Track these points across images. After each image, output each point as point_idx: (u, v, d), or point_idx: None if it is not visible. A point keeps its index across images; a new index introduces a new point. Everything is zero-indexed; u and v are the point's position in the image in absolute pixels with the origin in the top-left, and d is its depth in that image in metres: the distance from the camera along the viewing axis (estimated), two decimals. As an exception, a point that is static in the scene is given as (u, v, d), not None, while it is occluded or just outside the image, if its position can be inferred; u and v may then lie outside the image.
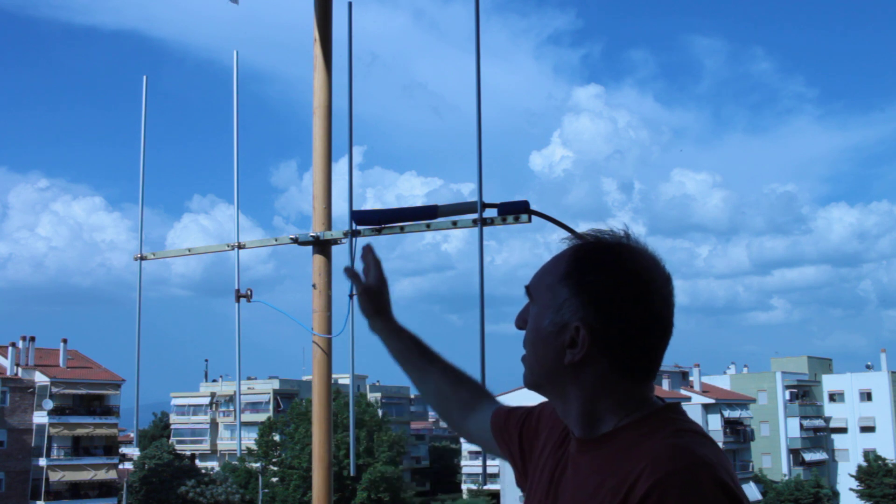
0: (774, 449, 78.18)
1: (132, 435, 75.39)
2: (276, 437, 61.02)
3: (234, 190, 5.30)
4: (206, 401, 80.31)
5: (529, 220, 3.84)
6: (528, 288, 1.57)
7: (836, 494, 71.54)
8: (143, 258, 5.26)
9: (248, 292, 4.87)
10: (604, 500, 1.38)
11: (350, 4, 4.76)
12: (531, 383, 1.58)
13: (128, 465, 63.34)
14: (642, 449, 1.39)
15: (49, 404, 55.71)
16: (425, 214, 4.28)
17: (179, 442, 75.24)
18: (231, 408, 77.55)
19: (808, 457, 77.54)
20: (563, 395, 1.54)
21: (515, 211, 3.87)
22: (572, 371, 1.49)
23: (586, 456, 1.49)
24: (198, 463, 71.55)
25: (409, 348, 2.07)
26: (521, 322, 1.60)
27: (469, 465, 77.15)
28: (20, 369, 56.55)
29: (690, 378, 78.58)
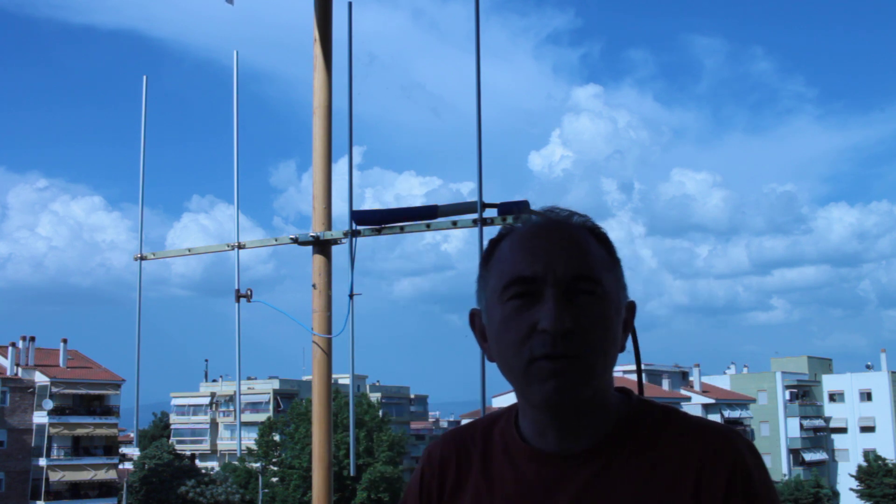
0: (774, 449, 78.15)
1: (132, 435, 75.39)
2: (276, 437, 60.99)
3: (233, 190, 5.30)
4: (206, 401, 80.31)
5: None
6: (584, 276, 1.31)
7: (836, 494, 71.52)
8: (143, 258, 5.26)
9: (248, 292, 4.87)
10: (666, 496, 1.29)
11: (350, 4, 4.76)
12: (587, 392, 1.31)
13: (128, 465, 63.33)
14: (681, 435, 1.33)
15: (49, 404, 55.71)
16: (425, 214, 4.28)
17: (179, 442, 75.21)
18: (231, 408, 77.55)
19: (808, 457, 77.55)
20: (601, 399, 1.36)
21: (515, 211, 3.88)
22: (614, 363, 1.36)
23: (594, 465, 1.33)
24: (198, 463, 71.51)
25: None
26: (586, 318, 1.30)
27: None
28: (20, 369, 56.55)
29: (690, 378, 78.60)
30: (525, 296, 1.31)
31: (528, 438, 1.39)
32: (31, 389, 56.73)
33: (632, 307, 1.40)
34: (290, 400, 72.02)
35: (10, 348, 56.34)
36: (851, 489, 67.39)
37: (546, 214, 1.40)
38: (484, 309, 1.40)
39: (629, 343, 1.47)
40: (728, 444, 1.31)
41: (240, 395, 5.66)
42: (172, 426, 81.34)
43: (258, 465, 60.26)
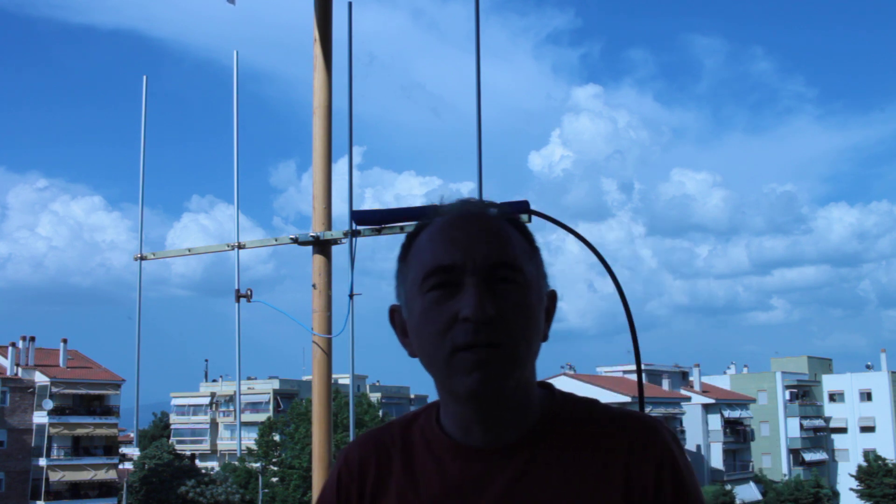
0: (774, 449, 78.18)
1: (132, 435, 75.36)
2: (276, 437, 60.99)
3: (233, 190, 5.30)
4: (206, 401, 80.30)
5: (529, 220, 3.83)
6: (504, 264, 1.29)
7: (836, 494, 71.53)
8: (143, 258, 5.26)
9: (248, 292, 4.87)
10: (596, 489, 1.27)
11: (350, 4, 4.76)
12: (512, 382, 1.28)
13: (128, 465, 63.29)
14: (606, 427, 1.32)
15: (49, 404, 55.71)
16: (425, 214, 4.27)
17: (179, 442, 75.20)
18: (231, 408, 77.56)
19: (808, 457, 77.54)
20: (524, 391, 1.33)
21: (515, 211, 3.87)
22: (537, 352, 1.34)
23: (521, 459, 1.30)
24: (198, 463, 71.50)
25: None
26: (508, 305, 1.27)
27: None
28: (20, 369, 56.55)
29: (690, 378, 78.59)
30: (445, 286, 1.28)
31: (451, 434, 1.36)
32: (31, 389, 56.74)
33: (553, 296, 1.38)
34: (290, 400, 72.00)
35: (10, 348, 56.35)
36: (851, 489, 67.38)
37: (463, 205, 1.38)
38: (404, 303, 1.37)
39: (630, 343, 1.47)
40: (654, 434, 1.31)
41: (240, 395, 5.66)
42: (172, 426, 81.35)
43: (258, 465, 60.25)
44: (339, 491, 1.42)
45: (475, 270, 1.27)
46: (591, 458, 1.30)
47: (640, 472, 1.28)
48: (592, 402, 1.39)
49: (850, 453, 78.79)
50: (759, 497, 67.76)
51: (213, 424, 79.31)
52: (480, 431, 1.32)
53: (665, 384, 74.46)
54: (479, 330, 1.24)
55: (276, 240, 4.90)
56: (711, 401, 73.79)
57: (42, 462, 55.48)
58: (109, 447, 59.48)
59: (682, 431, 70.15)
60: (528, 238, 1.37)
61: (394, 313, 1.41)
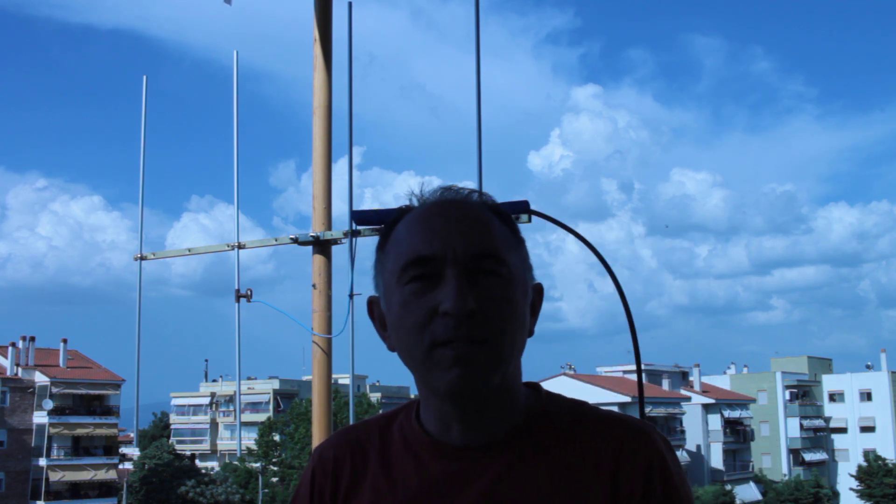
0: (774, 449, 78.18)
1: (132, 435, 75.34)
2: (276, 437, 61.00)
3: (232, 190, 5.31)
4: (206, 401, 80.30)
5: (529, 220, 3.84)
6: (487, 254, 1.22)
7: (836, 494, 71.52)
8: (143, 258, 5.26)
9: (248, 292, 4.87)
10: (580, 492, 1.22)
11: (350, 4, 4.76)
12: (495, 379, 1.22)
13: (128, 465, 63.29)
14: (595, 429, 1.27)
15: (49, 404, 55.71)
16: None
17: (179, 442, 75.20)
18: (231, 408, 77.56)
19: (808, 457, 77.54)
20: (508, 388, 1.27)
21: (516, 211, 3.86)
22: (522, 348, 1.27)
23: (504, 459, 1.25)
24: (198, 463, 71.50)
25: None
26: (491, 299, 1.21)
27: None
28: (20, 369, 56.54)
29: (690, 378, 78.59)
30: (424, 278, 1.21)
31: (431, 432, 1.29)
32: (31, 389, 56.73)
33: (539, 289, 1.31)
34: (290, 400, 72.00)
35: (10, 348, 56.34)
36: (851, 489, 67.37)
37: (444, 193, 1.31)
38: (382, 295, 1.30)
39: (629, 343, 1.45)
40: (644, 438, 1.25)
41: (240, 395, 5.66)
42: (172, 426, 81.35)
43: (258, 465, 60.25)
44: (312, 489, 1.36)
45: (456, 261, 1.21)
46: (577, 461, 1.24)
47: (627, 477, 1.22)
48: (580, 404, 1.33)
49: (850, 453, 78.78)
50: (759, 497, 67.75)
51: (213, 424, 79.30)
52: (461, 429, 1.26)
53: (665, 384, 74.45)
54: (459, 324, 1.18)
55: (276, 240, 4.90)
56: (711, 401, 73.79)
57: (42, 462, 55.47)
58: (109, 447, 59.48)
59: (682, 431, 70.17)
60: (513, 228, 1.30)
61: (372, 305, 1.34)
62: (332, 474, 1.35)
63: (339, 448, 1.37)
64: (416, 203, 1.32)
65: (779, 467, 76.21)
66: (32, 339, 57.38)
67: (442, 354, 1.19)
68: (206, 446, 78.40)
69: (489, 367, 1.20)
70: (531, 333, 1.29)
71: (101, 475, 57.79)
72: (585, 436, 1.27)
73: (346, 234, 4.59)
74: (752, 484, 70.29)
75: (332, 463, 1.36)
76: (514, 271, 1.24)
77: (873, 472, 64.89)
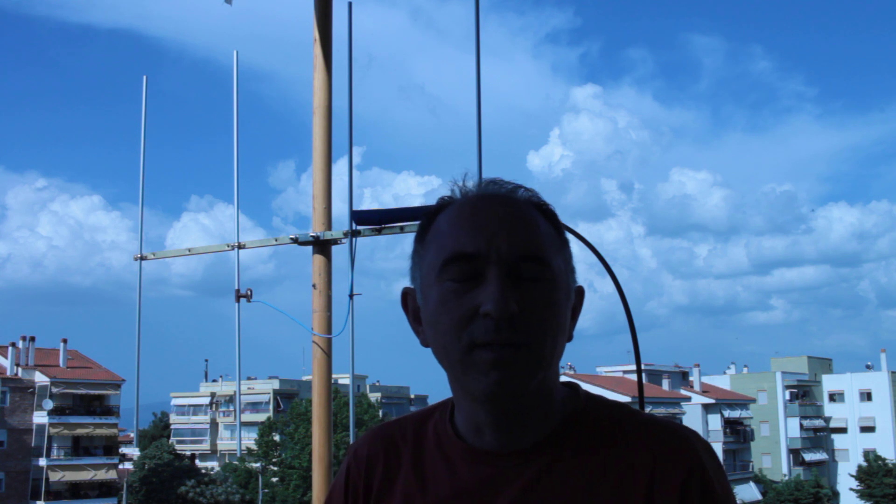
0: (774, 449, 78.19)
1: (132, 435, 75.33)
2: (276, 437, 61.01)
3: (232, 190, 5.31)
4: (206, 401, 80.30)
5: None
6: (532, 256, 1.19)
7: (836, 494, 71.54)
8: (143, 258, 5.27)
9: (248, 292, 4.87)
10: (615, 498, 1.18)
11: (350, 4, 4.76)
12: (533, 385, 1.19)
13: (128, 465, 63.30)
14: (633, 434, 1.23)
15: (49, 404, 55.72)
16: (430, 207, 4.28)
17: (179, 442, 75.21)
18: (231, 408, 77.56)
19: (808, 457, 77.56)
20: (545, 393, 1.24)
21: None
22: (562, 352, 1.24)
23: (537, 465, 1.22)
24: (198, 463, 71.53)
25: None
26: (533, 302, 1.17)
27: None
28: (20, 369, 56.56)
29: (690, 378, 78.60)
30: (466, 275, 1.17)
31: (463, 435, 1.26)
32: (31, 389, 56.74)
33: (580, 292, 1.27)
34: (290, 400, 72.01)
35: (10, 348, 56.36)
36: (851, 489, 67.40)
37: (488, 186, 1.25)
38: (419, 288, 1.25)
39: (630, 344, 1.43)
40: (684, 443, 1.21)
41: (240, 395, 5.66)
42: (172, 426, 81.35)
43: (258, 465, 60.26)
44: (347, 486, 1.35)
45: (500, 261, 1.16)
46: (613, 466, 1.20)
47: (665, 483, 1.18)
48: (620, 407, 1.28)
49: (850, 453, 78.80)
50: (759, 497, 67.75)
51: (213, 424, 79.31)
52: (494, 434, 1.23)
53: (665, 384, 74.47)
54: (500, 327, 1.14)
55: (276, 240, 4.90)
56: (711, 401, 73.80)
57: (42, 462, 55.48)
58: (109, 447, 59.49)
59: (682, 431, 70.07)
60: (558, 228, 1.26)
61: (406, 297, 1.30)
62: (366, 472, 1.33)
63: (373, 446, 1.34)
64: (457, 194, 1.27)
65: (779, 467, 76.22)
66: (32, 339, 57.42)
67: (480, 357, 1.15)
68: (206, 446, 78.40)
69: (528, 372, 1.16)
70: (570, 338, 1.25)
71: (101, 475, 57.80)
72: (623, 440, 1.22)
73: (346, 234, 4.59)
74: (752, 484, 70.28)
75: (366, 461, 1.33)
76: (557, 274, 1.20)
77: (873, 472, 64.92)
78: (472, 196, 1.24)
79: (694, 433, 1.25)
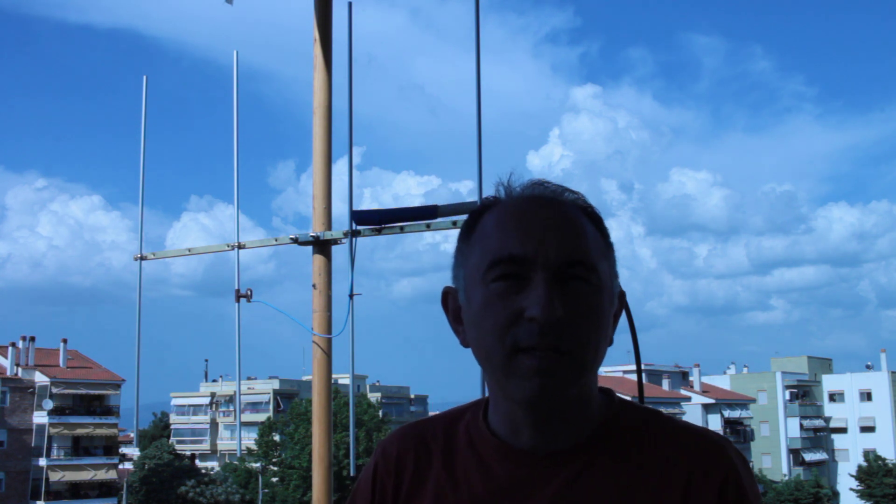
0: (774, 449, 78.19)
1: (132, 435, 75.38)
2: (276, 437, 61.01)
3: (232, 190, 5.31)
4: (206, 401, 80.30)
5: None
6: (579, 261, 1.17)
7: (836, 494, 71.53)
8: (143, 258, 5.27)
9: (248, 292, 4.87)
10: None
11: (350, 4, 4.76)
12: (574, 391, 1.18)
13: (128, 465, 63.32)
14: (669, 440, 1.22)
15: (49, 404, 55.73)
16: (425, 214, 4.28)
17: (179, 442, 75.21)
18: (231, 408, 77.56)
19: (808, 457, 77.59)
20: (585, 398, 1.23)
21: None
22: (603, 358, 1.23)
23: (574, 467, 1.21)
24: (198, 463, 71.53)
25: None
26: (578, 308, 1.16)
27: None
28: (20, 369, 56.57)
29: (690, 378, 78.64)
30: (511, 278, 1.16)
31: (499, 434, 1.25)
32: (31, 389, 56.75)
33: (622, 297, 1.27)
34: (290, 400, 72.01)
35: (10, 348, 56.37)
36: (851, 489, 67.40)
37: (535, 188, 1.24)
38: (462, 288, 1.24)
39: (630, 344, 1.43)
40: (720, 452, 1.21)
41: (240, 395, 5.66)
42: (172, 426, 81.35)
43: (258, 465, 60.26)
44: (374, 484, 1.33)
45: (547, 265, 1.15)
46: (648, 472, 1.19)
47: (701, 491, 1.17)
48: (654, 413, 1.27)
49: (850, 453, 78.82)
50: (759, 497, 67.73)
51: (213, 424, 79.30)
52: (531, 435, 1.22)
53: (665, 384, 74.48)
54: (545, 332, 1.12)
55: (276, 240, 4.90)
56: (711, 401, 73.83)
57: (42, 462, 55.49)
58: (109, 447, 59.51)
59: (682, 431, 70.12)
60: (604, 232, 1.25)
61: (447, 296, 1.28)
62: (395, 471, 1.31)
63: (403, 444, 1.33)
64: (502, 194, 1.25)
65: (779, 467, 76.22)
66: (32, 339, 57.44)
67: (523, 362, 1.14)
68: (206, 446, 78.40)
69: (570, 378, 1.16)
70: (611, 342, 1.23)
71: (101, 475, 57.81)
72: (658, 447, 1.22)
73: (346, 234, 4.59)
74: (752, 484, 70.29)
75: (396, 460, 1.32)
76: (603, 280, 1.19)
77: (873, 472, 64.92)
78: (518, 197, 1.23)
79: (727, 441, 1.24)
